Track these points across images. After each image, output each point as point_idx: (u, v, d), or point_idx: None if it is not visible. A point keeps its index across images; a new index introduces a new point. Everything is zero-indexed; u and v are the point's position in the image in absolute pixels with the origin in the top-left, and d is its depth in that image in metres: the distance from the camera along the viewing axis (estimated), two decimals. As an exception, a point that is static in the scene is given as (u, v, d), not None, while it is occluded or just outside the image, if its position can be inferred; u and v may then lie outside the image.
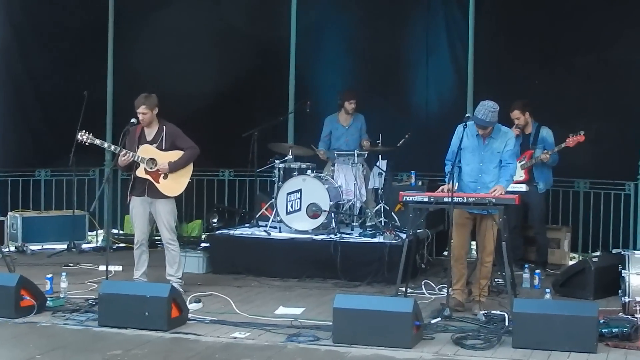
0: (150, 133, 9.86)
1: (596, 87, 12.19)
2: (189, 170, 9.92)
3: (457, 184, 9.04)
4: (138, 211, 9.87)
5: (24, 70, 13.61)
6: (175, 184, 9.84)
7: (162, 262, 10.08)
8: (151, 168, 9.72)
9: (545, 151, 11.12)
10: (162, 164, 9.72)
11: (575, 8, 12.23)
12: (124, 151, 9.66)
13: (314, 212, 11.36)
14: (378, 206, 11.91)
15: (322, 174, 12.01)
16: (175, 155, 9.79)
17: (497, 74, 12.89)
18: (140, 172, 9.76)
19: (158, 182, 9.76)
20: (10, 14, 13.46)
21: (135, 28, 13.74)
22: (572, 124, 11.14)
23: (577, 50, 12.33)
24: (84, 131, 9.88)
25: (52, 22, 13.54)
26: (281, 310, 9.16)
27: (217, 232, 12.03)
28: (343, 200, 11.79)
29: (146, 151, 9.75)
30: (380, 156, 12.10)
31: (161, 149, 9.78)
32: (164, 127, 9.84)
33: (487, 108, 8.90)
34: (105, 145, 10.11)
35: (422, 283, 10.22)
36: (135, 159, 9.69)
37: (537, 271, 10.70)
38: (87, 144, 9.89)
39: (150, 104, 9.72)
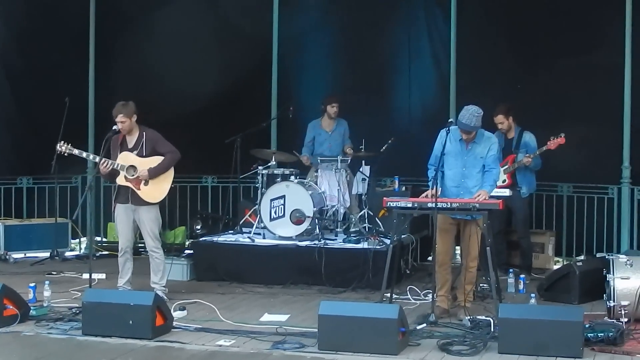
0: (131, 140, 9.82)
1: (578, 91, 12.20)
2: (170, 175, 9.86)
3: (440, 189, 9.03)
4: (122, 219, 9.82)
5: (3, 77, 13.52)
6: (157, 190, 9.79)
7: (146, 270, 10.03)
8: (132, 175, 9.68)
9: (527, 155, 11.13)
10: (142, 171, 9.67)
11: (557, 12, 12.28)
12: (103, 160, 9.62)
13: (297, 218, 11.34)
14: (362, 212, 11.91)
15: (306, 180, 11.99)
16: (156, 160, 9.75)
17: (479, 78, 12.90)
18: (120, 180, 9.73)
19: (139, 189, 9.71)
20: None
21: (116, 34, 13.68)
22: (555, 128, 11.14)
23: (559, 54, 12.36)
24: (62, 142, 9.81)
25: (32, 28, 13.43)
26: (266, 317, 9.13)
27: (200, 239, 11.99)
28: (327, 206, 11.78)
29: (126, 158, 9.71)
30: (363, 162, 12.10)
31: (141, 156, 9.73)
32: (144, 133, 9.80)
33: (472, 113, 8.89)
34: (84, 154, 10.01)
35: (407, 288, 10.21)
36: (115, 166, 9.65)
37: (522, 276, 10.72)
38: (66, 154, 9.85)
39: (128, 112, 9.68)
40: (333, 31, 14.07)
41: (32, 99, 13.57)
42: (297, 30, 14.09)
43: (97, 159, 9.65)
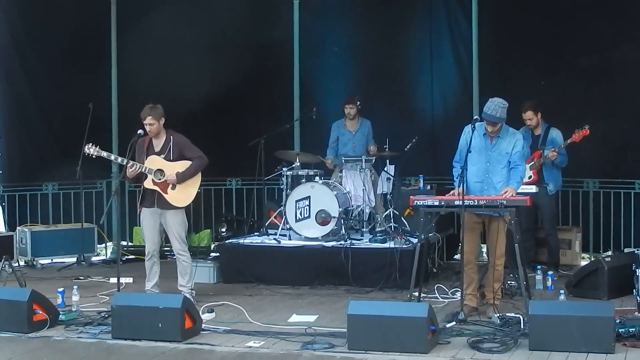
0: (158, 144, 9.82)
1: (601, 86, 12.22)
2: (197, 180, 9.86)
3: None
4: (148, 222, 9.82)
5: (26, 84, 13.50)
6: (184, 195, 9.79)
7: (172, 273, 10.04)
8: (159, 179, 9.68)
9: (553, 149, 11.08)
10: (170, 175, 9.67)
11: (577, 8, 12.24)
12: (131, 163, 9.63)
13: (323, 218, 11.33)
14: (387, 211, 11.87)
15: (331, 181, 11.98)
16: (183, 165, 9.74)
17: (501, 76, 12.88)
18: (148, 184, 9.72)
19: (167, 193, 9.71)
20: (11, 28, 13.38)
21: (138, 38, 13.63)
22: (579, 124, 11.07)
23: (581, 50, 12.36)
24: (90, 144, 9.83)
25: (53, 34, 13.42)
26: (294, 318, 9.13)
27: (226, 242, 11.98)
28: (352, 206, 11.77)
29: (154, 162, 9.71)
30: (388, 161, 12.08)
31: (169, 160, 9.73)
32: (172, 137, 9.79)
33: (497, 104, 8.86)
34: (112, 157, 10.05)
35: (435, 287, 10.20)
36: (143, 170, 9.65)
37: (550, 272, 10.67)
38: (94, 156, 9.85)
39: (157, 114, 9.68)
40: (354, 32, 14.07)
41: (55, 105, 13.59)
42: (318, 32, 14.11)
43: (125, 162, 9.65)
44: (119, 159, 9.93)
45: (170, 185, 9.70)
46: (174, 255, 10.08)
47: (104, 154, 9.85)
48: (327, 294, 10.47)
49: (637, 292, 8.82)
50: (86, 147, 9.80)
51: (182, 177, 9.70)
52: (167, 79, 13.13)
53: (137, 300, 8.62)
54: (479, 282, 9.40)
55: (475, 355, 7.64)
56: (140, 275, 10.41)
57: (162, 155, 9.73)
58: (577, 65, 12.42)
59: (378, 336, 7.77)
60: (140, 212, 9.91)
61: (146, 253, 9.89)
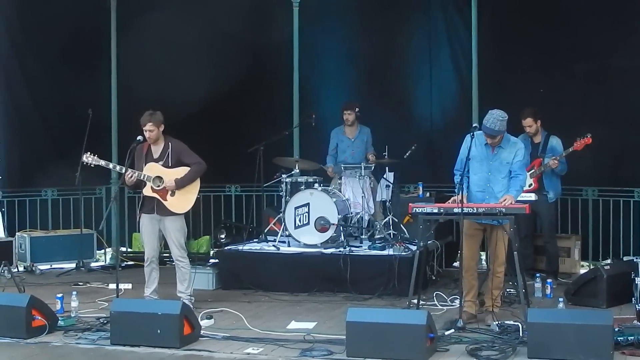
0: (156, 150, 9.82)
1: (601, 94, 12.25)
2: (196, 186, 9.86)
3: (465, 194, 8.99)
4: (147, 229, 9.82)
5: (26, 90, 13.51)
6: (183, 201, 9.79)
7: (171, 280, 10.03)
8: (158, 186, 9.68)
9: (553, 157, 11.08)
10: (169, 181, 9.67)
11: (576, 15, 12.26)
12: (130, 171, 9.63)
13: (322, 225, 11.33)
14: (386, 218, 11.89)
15: (330, 187, 11.99)
16: (182, 171, 9.74)
17: (500, 83, 12.88)
18: (147, 191, 9.72)
19: (166, 200, 9.71)
20: (10, 34, 13.40)
21: (137, 43, 13.62)
22: (578, 132, 11.09)
23: (580, 57, 12.37)
24: (88, 153, 9.84)
25: (52, 38, 13.40)
26: (293, 325, 9.13)
27: (225, 248, 11.99)
28: (351, 213, 11.76)
29: (152, 169, 9.71)
30: (387, 168, 12.08)
31: (167, 166, 9.73)
32: (170, 143, 9.80)
33: (496, 117, 8.85)
34: (111, 166, 10.05)
35: (434, 294, 10.19)
36: (142, 177, 9.66)
37: (549, 280, 10.67)
38: (92, 165, 9.86)
39: (156, 121, 9.70)
40: (353, 38, 14.10)
41: (54, 111, 13.62)
42: (317, 38, 14.10)
43: (123, 170, 9.66)
44: (117, 167, 9.94)
45: (170, 192, 9.71)
46: (173, 261, 10.04)
47: (102, 162, 9.85)
48: (326, 301, 10.46)
49: (636, 300, 8.81)
50: (84, 156, 9.81)
51: (180, 183, 9.71)
52: (167, 84, 13.10)
53: (136, 306, 8.62)
54: (478, 289, 9.39)
55: (474, 363, 7.66)
56: (139, 282, 10.38)
57: (161, 162, 9.74)
58: (577, 72, 12.44)
59: (376, 343, 7.76)
60: (139, 218, 9.91)
61: (145, 259, 9.89)
